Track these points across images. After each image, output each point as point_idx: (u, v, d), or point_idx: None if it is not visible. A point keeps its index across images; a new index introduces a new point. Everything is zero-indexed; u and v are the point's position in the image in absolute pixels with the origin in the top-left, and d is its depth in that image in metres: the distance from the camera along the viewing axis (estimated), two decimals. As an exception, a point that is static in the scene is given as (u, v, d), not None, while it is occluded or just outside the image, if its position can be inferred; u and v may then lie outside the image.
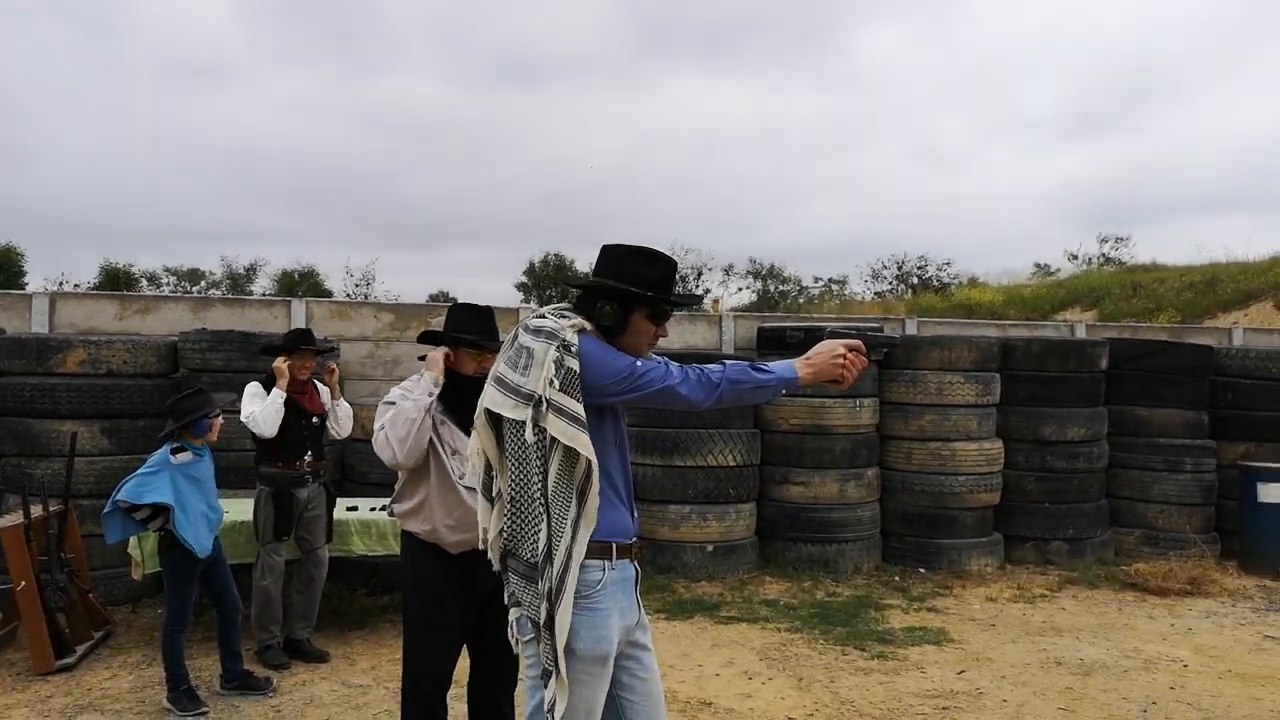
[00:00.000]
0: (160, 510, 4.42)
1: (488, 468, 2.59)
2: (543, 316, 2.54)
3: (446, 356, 3.39)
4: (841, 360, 2.53)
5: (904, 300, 29.40)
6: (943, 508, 7.64)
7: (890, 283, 33.45)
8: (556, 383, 2.38)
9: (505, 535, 2.52)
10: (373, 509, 5.73)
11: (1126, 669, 5.26)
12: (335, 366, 5.52)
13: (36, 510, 5.19)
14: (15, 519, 5.10)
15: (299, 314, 7.64)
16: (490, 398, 2.52)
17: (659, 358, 2.55)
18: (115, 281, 25.58)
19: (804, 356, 2.56)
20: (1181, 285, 23.83)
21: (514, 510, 2.48)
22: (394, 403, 3.35)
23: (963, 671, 5.18)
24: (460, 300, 3.71)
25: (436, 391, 3.33)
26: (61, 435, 6.04)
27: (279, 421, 5.01)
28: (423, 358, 3.70)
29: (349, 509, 5.76)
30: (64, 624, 5.14)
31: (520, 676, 2.83)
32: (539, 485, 2.41)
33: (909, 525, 7.72)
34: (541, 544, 2.40)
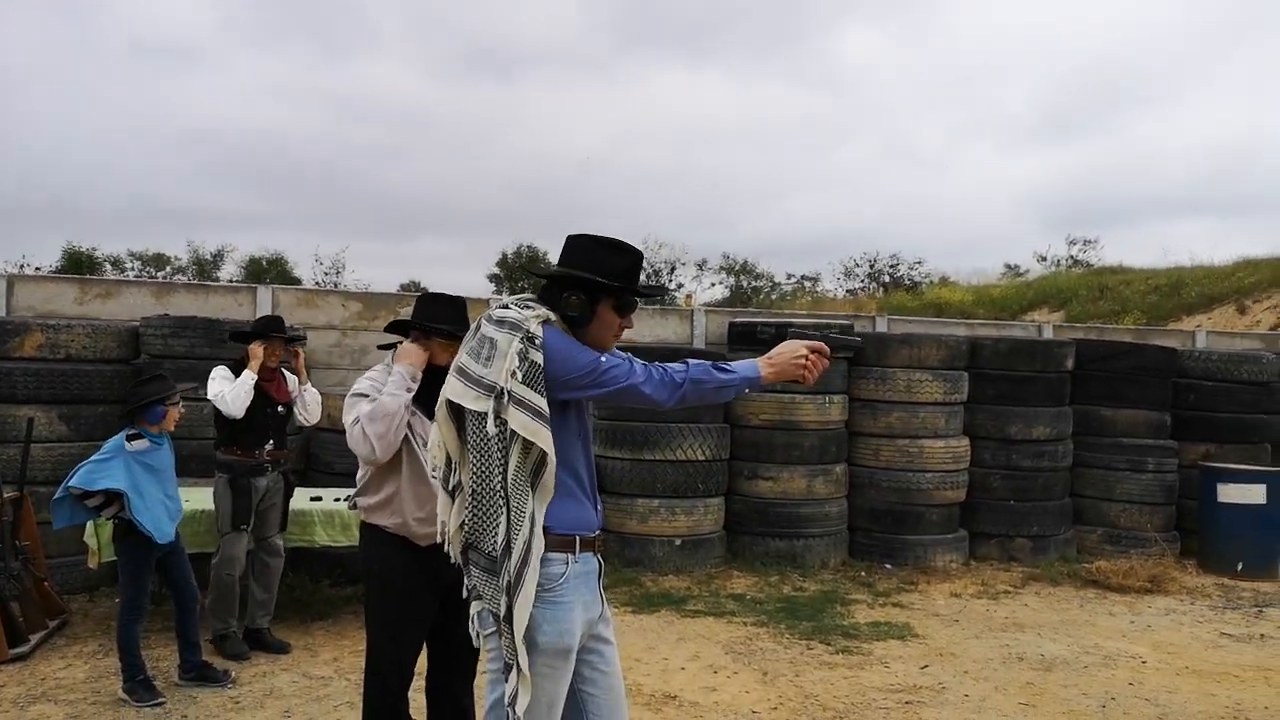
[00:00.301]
0: (113, 497, 4.33)
1: (448, 460, 2.56)
2: (506, 307, 2.51)
3: (425, 348, 3.30)
4: (803, 361, 2.53)
5: (875, 298, 29.61)
6: (909, 504, 7.69)
7: (862, 280, 33.70)
8: (519, 375, 2.36)
9: (467, 528, 2.49)
10: (337, 499, 5.66)
11: (1086, 665, 5.32)
12: (301, 350, 5.44)
13: (-10, 497, 5.07)
14: (-32, 505, 4.98)
15: (265, 301, 7.53)
16: (452, 388, 2.49)
17: (624, 354, 2.53)
18: (78, 265, 25.14)
19: (766, 356, 2.56)
20: (1147, 288, 24.18)
21: (475, 503, 2.45)
22: (364, 394, 3.28)
23: (926, 666, 5.21)
24: (430, 290, 3.63)
25: (415, 386, 3.26)
26: (17, 420, 5.91)
27: (247, 403, 4.93)
28: (384, 346, 3.64)
29: (312, 499, 5.69)
30: (18, 612, 5.03)
31: (481, 669, 2.79)
32: (499, 477, 2.38)
33: (876, 521, 7.76)
34: (500, 537, 2.37)
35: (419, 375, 3.28)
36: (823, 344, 2.55)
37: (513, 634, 2.33)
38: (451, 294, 3.57)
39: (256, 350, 5.04)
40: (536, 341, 2.39)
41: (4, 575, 4.97)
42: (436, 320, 3.37)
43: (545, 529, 2.40)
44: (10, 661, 4.81)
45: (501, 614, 2.36)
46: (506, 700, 2.34)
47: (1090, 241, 31.97)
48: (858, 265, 33.63)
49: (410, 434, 3.27)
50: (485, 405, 2.38)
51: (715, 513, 7.44)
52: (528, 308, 2.48)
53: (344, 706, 4.40)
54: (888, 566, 7.56)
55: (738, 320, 8.45)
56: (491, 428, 2.37)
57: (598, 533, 2.57)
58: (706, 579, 7.00)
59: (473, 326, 2.56)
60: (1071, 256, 32.07)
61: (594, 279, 2.50)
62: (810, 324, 7.85)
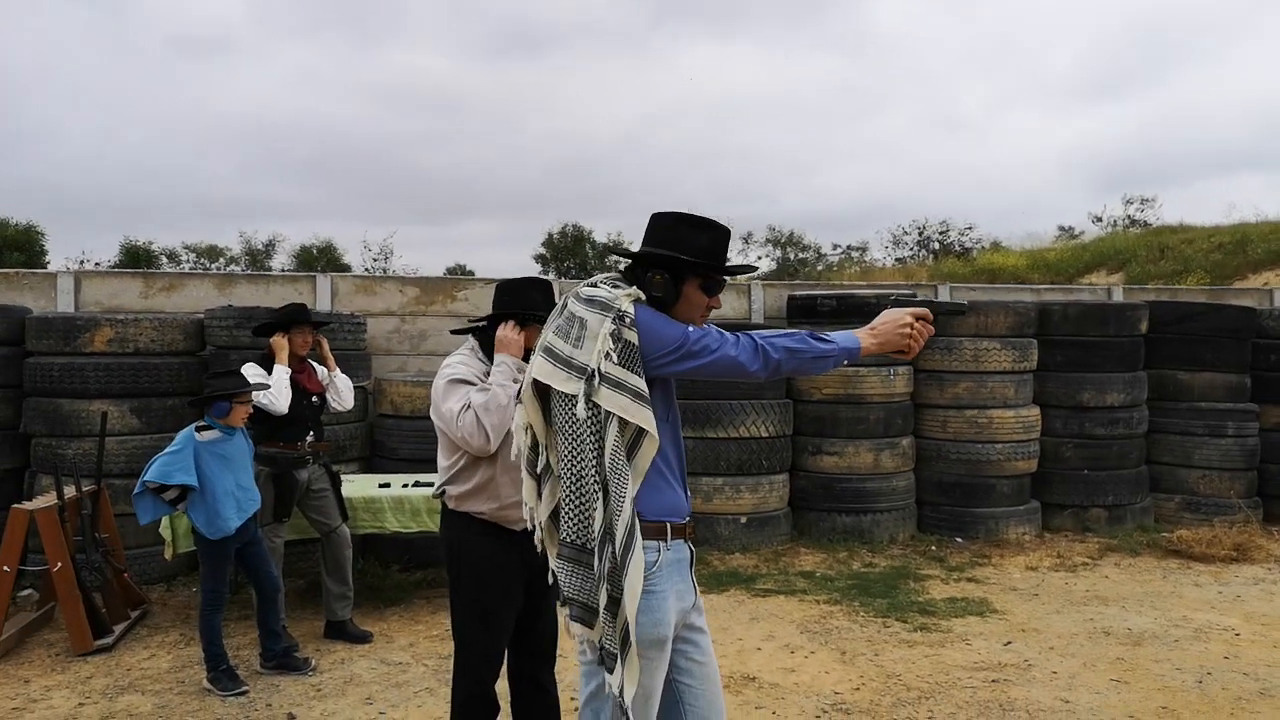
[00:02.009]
0: (189, 491, 4.36)
1: (534, 444, 2.50)
2: (595, 285, 2.43)
3: (523, 335, 3.18)
4: (908, 330, 2.42)
5: (925, 266, 29.07)
6: (979, 476, 7.52)
7: (911, 249, 33.10)
8: (614, 356, 2.28)
9: (565, 518, 2.40)
10: (405, 485, 5.66)
11: (1177, 639, 5.15)
12: (323, 337, 5.40)
13: (69, 491, 5.15)
14: (49, 500, 5.07)
15: (324, 289, 7.55)
16: (539, 367, 2.40)
17: (712, 326, 2.44)
18: (136, 259, 25.62)
19: (869, 326, 2.45)
20: (1210, 246, 23.40)
21: (565, 489, 2.37)
22: (466, 380, 3.17)
23: (1009, 643, 5.08)
24: (509, 277, 3.53)
25: (521, 377, 3.09)
26: (90, 415, 6.00)
27: (289, 396, 4.93)
28: (459, 331, 3.58)
29: (381, 485, 5.70)
30: (100, 604, 5.12)
31: (572, 661, 2.73)
32: (593, 462, 2.30)
33: (945, 494, 7.60)
34: (598, 523, 2.29)
35: (524, 365, 3.13)
36: (927, 310, 2.42)
37: (615, 622, 2.27)
38: (537, 276, 3.47)
39: (281, 342, 5.00)
40: (628, 320, 2.30)
41: (86, 567, 5.05)
42: (532, 307, 3.24)
43: (637, 515, 2.32)
44: (95, 652, 4.89)
45: (601, 603, 2.29)
46: (614, 689, 2.27)
47: (1148, 200, 30.98)
48: (906, 233, 33.03)
49: None
50: (575, 387, 2.30)
51: (780, 489, 7.34)
52: (617, 286, 2.40)
53: (424, 693, 4.41)
54: (958, 540, 7.41)
55: (797, 293, 8.29)
56: (582, 411, 2.29)
57: (689, 519, 2.49)
58: (774, 557, 6.91)
59: (559, 304, 2.49)
60: (1128, 216, 31.17)
61: (678, 257, 2.41)
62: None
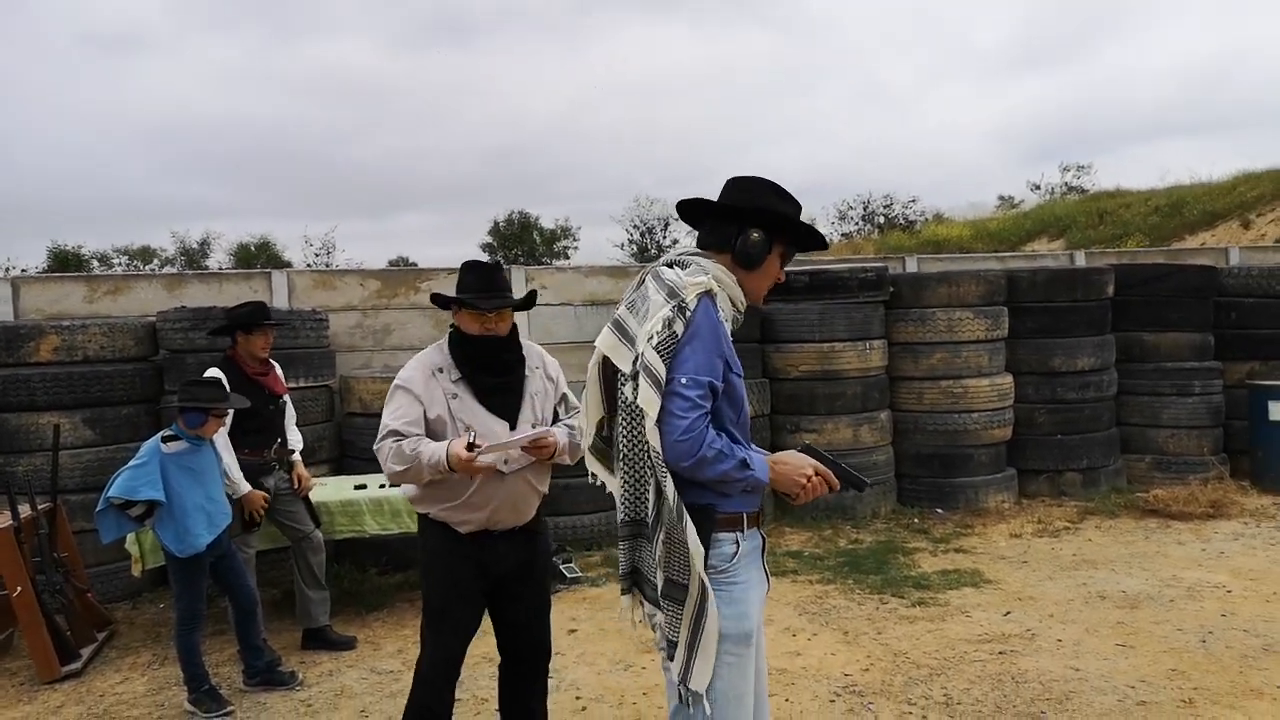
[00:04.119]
0: (155, 507, 4.10)
1: (601, 422, 2.41)
2: (683, 264, 2.30)
3: (469, 447, 2.88)
4: (804, 480, 2.27)
5: (871, 240, 29.30)
6: (957, 446, 7.51)
7: (857, 223, 33.36)
8: (654, 340, 2.15)
9: (629, 500, 2.27)
10: (382, 485, 5.44)
11: (1172, 599, 5.16)
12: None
13: (24, 510, 4.84)
14: (3, 520, 4.74)
15: (280, 285, 7.24)
16: (605, 340, 2.30)
17: (703, 389, 2.17)
18: (66, 264, 24.67)
19: (775, 458, 2.30)
20: (1147, 210, 23.92)
21: (625, 467, 2.24)
22: (409, 390, 3.03)
23: (1008, 613, 5.05)
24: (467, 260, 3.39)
25: (441, 478, 2.96)
26: (40, 428, 5.67)
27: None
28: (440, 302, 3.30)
29: (357, 487, 5.47)
30: (65, 627, 4.83)
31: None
32: (645, 440, 2.18)
33: (923, 466, 7.58)
34: (651, 502, 2.18)
35: (446, 468, 2.92)
36: (830, 472, 2.30)
37: (682, 609, 2.14)
38: (483, 260, 3.31)
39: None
40: (686, 313, 2.17)
41: (47, 589, 4.76)
42: (466, 289, 3.13)
43: (710, 507, 2.18)
44: (63, 679, 4.61)
45: (659, 587, 2.18)
46: (674, 679, 2.14)
47: (1084, 167, 31.66)
48: (851, 208, 33.29)
49: (449, 418, 3.04)
50: (627, 365, 2.22)
51: (761, 469, 7.23)
52: (700, 271, 2.25)
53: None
54: (939, 511, 7.40)
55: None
56: (629, 391, 2.18)
57: (760, 506, 2.36)
58: (759, 538, 6.82)
59: (639, 276, 2.37)
60: (1066, 184, 31.77)
61: (786, 215, 2.31)
62: (850, 269, 7.60)
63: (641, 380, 2.15)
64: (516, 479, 3.08)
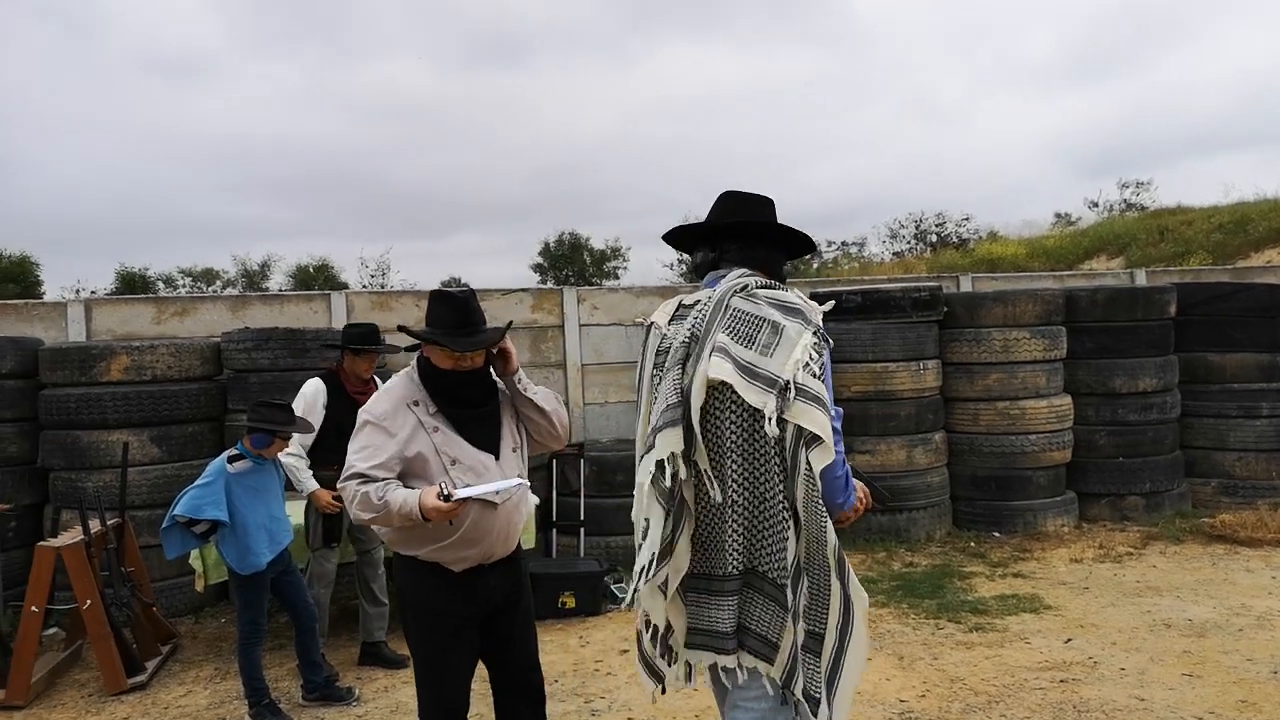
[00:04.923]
0: (219, 525, 4.21)
1: (671, 457, 2.15)
2: (766, 286, 2.24)
3: (444, 501, 2.71)
4: (860, 501, 2.42)
5: (923, 259, 28.95)
6: (1014, 468, 7.39)
7: (908, 242, 33.01)
8: (814, 368, 2.08)
9: (741, 549, 2.16)
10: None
11: (1240, 628, 5.01)
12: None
13: (94, 525, 4.99)
14: (75, 536, 4.90)
15: (339, 307, 7.39)
16: (718, 368, 2.09)
17: None
18: (133, 286, 25.42)
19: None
20: (1210, 226, 23.31)
21: (740, 513, 2.13)
22: (377, 424, 2.87)
23: (1070, 640, 4.94)
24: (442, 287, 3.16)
25: (411, 524, 2.81)
26: (110, 445, 5.85)
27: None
28: (408, 344, 3.18)
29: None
30: (131, 640, 4.96)
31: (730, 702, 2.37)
32: (778, 484, 2.10)
33: (979, 488, 7.47)
34: (791, 553, 2.08)
35: (419, 517, 2.75)
36: (869, 492, 2.45)
37: (819, 660, 2.09)
38: (454, 291, 3.02)
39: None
40: (823, 336, 2.18)
41: (115, 603, 4.90)
42: (439, 322, 2.91)
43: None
44: (130, 691, 4.73)
45: (797, 640, 2.10)
46: None
47: (1143, 183, 30.90)
48: (903, 226, 32.94)
49: (433, 454, 2.87)
50: (763, 400, 2.06)
51: (813, 491, 7.18)
52: (796, 296, 2.27)
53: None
54: (996, 535, 7.28)
55: (819, 290, 8.16)
56: (772, 429, 2.05)
57: None
58: (812, 560, 6.76)
59: (716, 300, 2.21)
60: (1125, 200, 31.12)
61: (809, 241, 2.34)
62: (903, 289, 7.54)
63: (808, 407, 2.03)
64: (509, 508, 2.97)
